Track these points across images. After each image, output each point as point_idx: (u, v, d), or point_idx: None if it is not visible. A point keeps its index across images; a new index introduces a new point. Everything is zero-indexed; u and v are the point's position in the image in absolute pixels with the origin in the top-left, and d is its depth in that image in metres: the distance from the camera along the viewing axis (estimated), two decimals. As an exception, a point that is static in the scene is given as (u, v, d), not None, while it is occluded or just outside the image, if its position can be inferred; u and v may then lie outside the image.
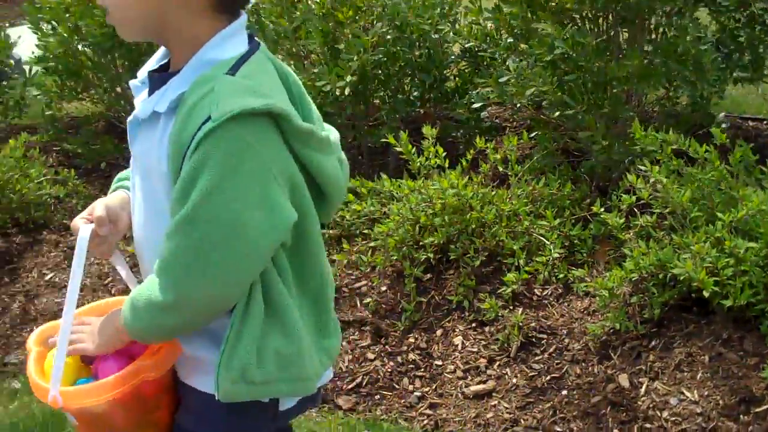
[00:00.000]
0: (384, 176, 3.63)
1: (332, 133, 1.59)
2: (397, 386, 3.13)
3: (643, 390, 2.85)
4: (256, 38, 1.47)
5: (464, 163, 3.53)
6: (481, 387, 3.05)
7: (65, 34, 4.52)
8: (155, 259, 1.41)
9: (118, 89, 4.70)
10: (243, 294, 1.40)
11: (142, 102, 1.45)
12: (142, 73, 1.51)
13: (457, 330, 3.24)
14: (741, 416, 2.66)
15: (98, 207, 1.56)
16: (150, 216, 1.47)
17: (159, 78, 1.45)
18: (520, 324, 3.14)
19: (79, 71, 4.67)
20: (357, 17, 3.92)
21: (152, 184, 1.44)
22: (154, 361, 1.51)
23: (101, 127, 5.05)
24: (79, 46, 4.59)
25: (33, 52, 4.74)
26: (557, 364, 3.05)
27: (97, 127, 5.02)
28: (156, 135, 1.40)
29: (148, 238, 1.49)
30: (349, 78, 3.77)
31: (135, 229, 1.54)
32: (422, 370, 3.17)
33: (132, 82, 1.52)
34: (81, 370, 1.62)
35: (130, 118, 1.47)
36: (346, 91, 3.78)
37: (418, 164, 3.56)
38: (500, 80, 3.54)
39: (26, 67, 5.89)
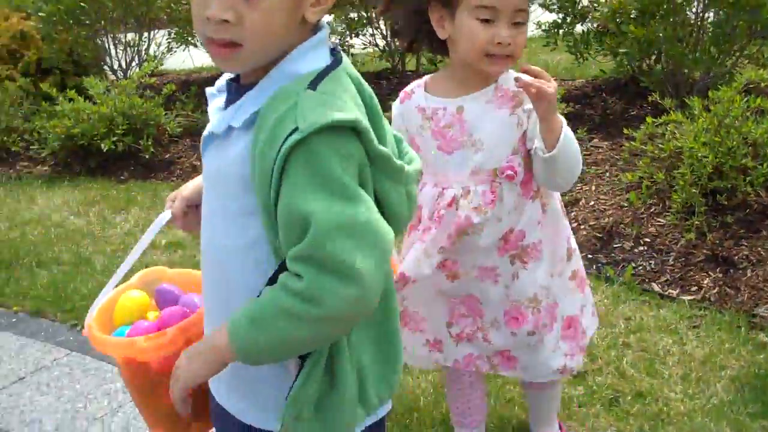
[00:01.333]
0: None
1: (414, 164, 1.49)
2: None
3: None
4: (338, 51, 1.40)
5: None
6: None
7: None
8: (214, 273, 1.45)
9: None
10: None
11: (219, 115, 1.40)
12: (221, 81, 1.47)
13: None
14: None
15: (178, 200, 1.66)
16: (216, 231, 1.42)
17: (236, 89, 1.40)
18: None
19: None
20: None
21: (221, 200, 1.40)
22: (149, 345, 1.59)
23: None
24: None
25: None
26: None
27: None
28: (228, 150, 1.35)
29: (209, 252, 1.46)
30: None
31: (202, 239, 1.48)
32: None
33: (208, 90, 1.48)
34: (145, 312, 1.79)
35: (205, 132, 1.42)
36: None
37: None
38: None
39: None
